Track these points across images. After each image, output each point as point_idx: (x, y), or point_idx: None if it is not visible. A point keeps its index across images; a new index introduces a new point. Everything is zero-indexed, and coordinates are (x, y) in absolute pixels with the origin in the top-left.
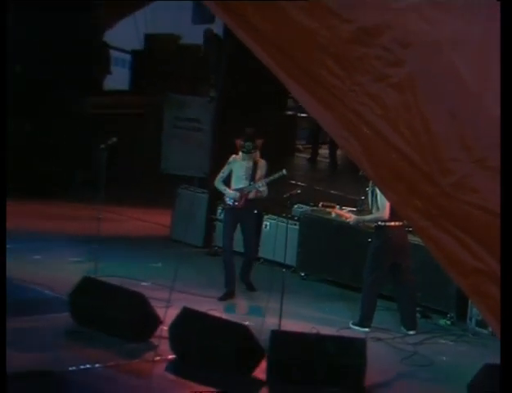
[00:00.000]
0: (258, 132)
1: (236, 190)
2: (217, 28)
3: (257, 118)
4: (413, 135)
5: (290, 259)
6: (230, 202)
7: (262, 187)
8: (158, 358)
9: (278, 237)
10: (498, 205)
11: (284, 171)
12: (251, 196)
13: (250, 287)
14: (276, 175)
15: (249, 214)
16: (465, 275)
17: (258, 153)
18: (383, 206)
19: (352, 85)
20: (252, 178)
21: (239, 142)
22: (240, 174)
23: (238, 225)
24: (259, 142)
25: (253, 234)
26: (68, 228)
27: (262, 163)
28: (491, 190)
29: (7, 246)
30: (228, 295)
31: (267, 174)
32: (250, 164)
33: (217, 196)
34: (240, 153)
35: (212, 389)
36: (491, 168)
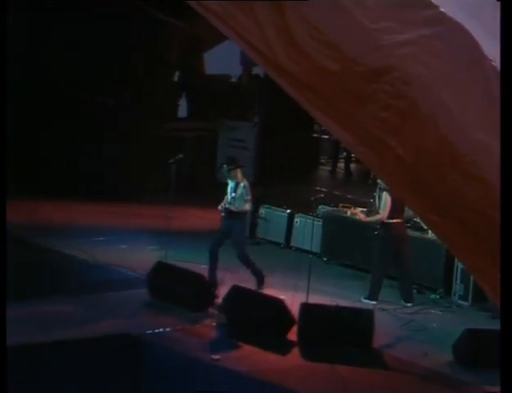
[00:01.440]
0: (286, 151)
1: (222, 206)
2: (259, 69)
3: (290, 139)
4: (413, 149)
5: (315, 248)
6: (221, 214)
7: (238, 205)
8: (214, 323)
9: (306, 230)
10: (489, 207)
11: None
12: (233, 209)
13: (259, 276)
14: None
15: (234, 222)
16: (466, 256)
17: (239, 175)
18: (383, 209)
19: (366, 112)
20: (233, 196)
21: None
22: (228, 192)
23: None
24: (239, 174)
25: (240, 238)
26: (146, 224)
27: (242, 184)
28: (484, 197)
29: (101, 239)
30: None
31: (247, 193)
32: (233, 184)
33: (260, 199)
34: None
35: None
36: (478, 178)
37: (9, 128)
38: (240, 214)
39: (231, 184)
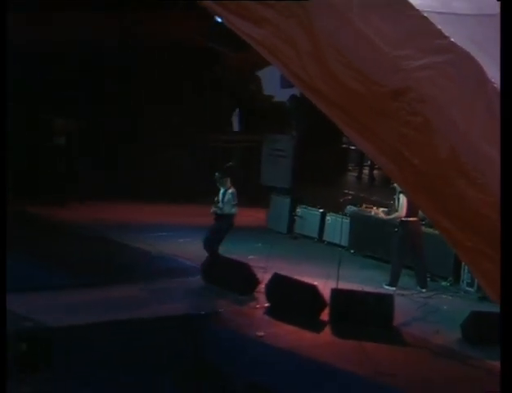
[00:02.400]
0: (318, 159)
1: (213, 210)
2: (297, 90)
3: (322, 149)
4: (426, 159)
5: (344, 242)
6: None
7: (226, 209)
8: (258, 305)
9: (336, 227)
10: (488, 208)
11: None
12: (220, 212)
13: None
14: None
15: (223, 223)
16: (465, 252)
17: (228, 183)
18: (400, 209)
19: (387, 127)
20: (222, 201)
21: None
22: (219, 197)
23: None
24: (226, 178)
25: (223, 236)
26: (201, 221)
27: (230, 191)
28: (484, 199)
29: (163, 234)
30: None
31: (234, 199)
32: (222, 191)
33: (297, 200)
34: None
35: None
36: (480, 183)
37: (92, 140)
38: (228, 217)
39: (221, 191)
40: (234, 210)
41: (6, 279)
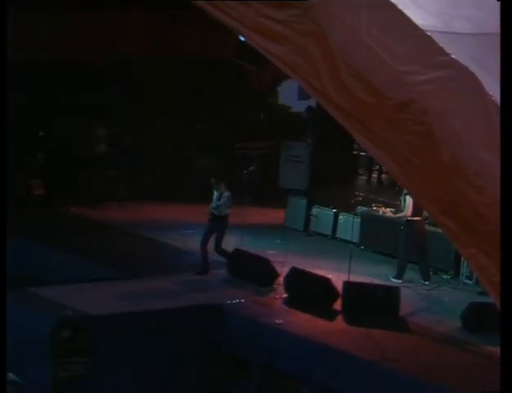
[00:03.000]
0: (332, 164)
1: (209, 212)
2: (312, 102)
3: (335, 155)
4: (430, 164)
5: (355, 239)
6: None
7: (221, 210)
8: (277, 296)
9: (347, 225)
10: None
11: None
12: (217, 214)
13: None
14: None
15: (218, 224)
16: (465, 249)
17: (222, 187)
18: (406, 209)
19: (395, 135)
20: (218, 204)
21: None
22: (214, 200)
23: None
24: (221, 183)
25: (221, 236)
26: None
27: (225, 194)
28: (483, 200)
29: (191, 231)
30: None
31: (229, 201)
32: (217, 194)
33: (312, 201)
34: None
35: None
36: (479, 186)
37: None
38: (223, 218)
39: (216, 194)
40: (228, 211)
41: (6, 279)
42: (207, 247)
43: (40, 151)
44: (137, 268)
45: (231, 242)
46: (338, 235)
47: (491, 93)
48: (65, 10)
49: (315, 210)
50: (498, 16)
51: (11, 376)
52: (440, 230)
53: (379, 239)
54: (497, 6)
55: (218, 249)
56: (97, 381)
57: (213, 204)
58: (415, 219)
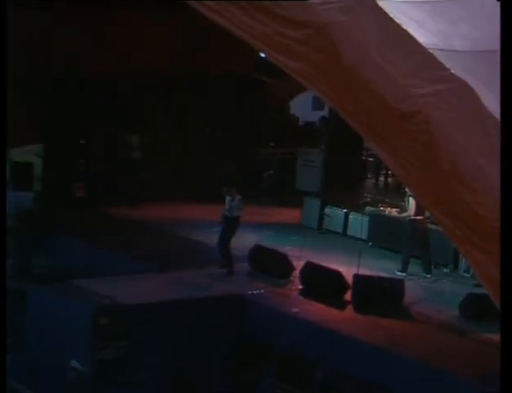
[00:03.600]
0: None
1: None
2: (325, 112)
3: (346, 160)
4: (432, 169)
5: (364, 236)
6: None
7: (233, 212)
8: (293, 287)
9: (357, 224)
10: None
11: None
12: (229, 215)
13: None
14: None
15: (230, 225)
16: (462, 245)
17: (234, 191)
18: (410, 209)
19: (401, 142)
20: (231, 206)
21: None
22: (226, 204)
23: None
24: (233, 188)
25: (231, 235)
26: (247, 219)
27: (237, 198)
28: (479, 202)
29: (216, 229)
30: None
31: (241, 204)
32: (230, 198)
33: (325, 202)
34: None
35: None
36: (476, 189)
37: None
38: (235, 219)
39: (228, 198)
40: (240, 213)
41: (5, 280)
42: (228, 246)
43: (82, 157)
44: (168, 262)
45: (252, 239)
46: (348, 232)
47: (487, 105)
48: (104, 25)
49: (327, 210)
50: (492, 34)
51: (74, 362)
52: (440, 228)
53: (386, 236)
54: (490, 25)
55: (226, 247)
56: (132, 363)
57: (226, 206)
58: (418, 218)
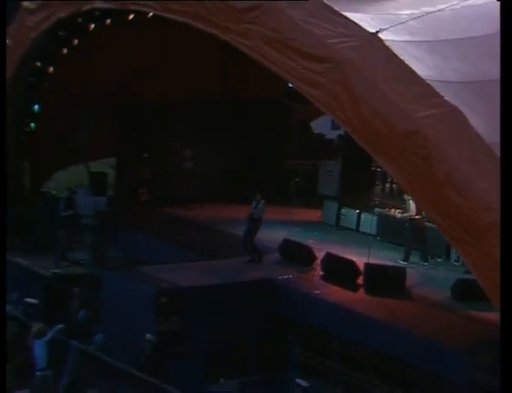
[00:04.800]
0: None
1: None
2: (342, 131)
3: (359, 171)
4: (429, 178)
5: (373, 231)
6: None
7: (258, 213)
8: (316, 273)
9: (368, 222)
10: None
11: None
12: (256, 216)
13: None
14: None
15: (254, 224)
16: (453, 239)
17: (258, 196)
18: (410, 210)
19: (403, 157)
20: (256, 208)
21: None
22: (252, 207)
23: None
24: (259, 196)
25: (255, 234)
26: (277, 217)
27: (262, 201)
28: (468, 204)
29: (265, 230)
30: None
31: (264, 206)
32: (256, 202)
33: (342, 204)
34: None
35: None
36: (465, 194)
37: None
38: (259, 219)
39: (254, 203)
40: (263, 214)
41: (5, 279)
42: (248, 242)
43: (145, 168)
44: (213, 253)
45: (281, 234)
46: (360, 229)
47: (474, 126)
48: (165, 61)
49: (343, 211)
50: (478, 69)
51: (148, 336)
52: (435, 226)
53: (391, 232)
54: (478, 61)
55: (252, 244)
56: (186, 334)
57: (252, 209)
58: (417, 217)
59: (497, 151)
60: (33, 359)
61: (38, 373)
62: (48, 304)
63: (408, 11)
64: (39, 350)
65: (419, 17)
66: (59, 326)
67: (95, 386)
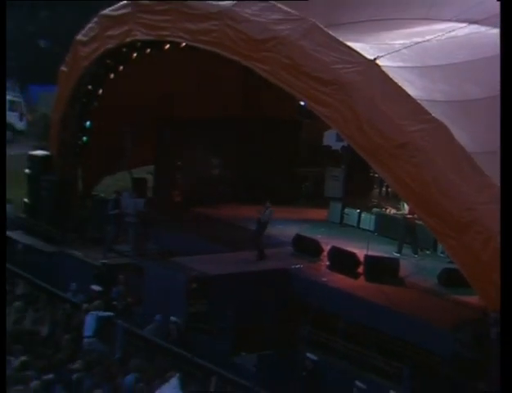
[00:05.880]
0: (357, 182)
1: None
2: (345, 143)
3: (359, 176)
4: (419, 183)
5: (372, 228)
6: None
7: (265, 219)
8: (323, 264)
9: (367, 220)
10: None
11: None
12: (262, 220)
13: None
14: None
15: (262, 227)
16: (439, 235)
17: (267, 204)
18: (403, 210)
19: (397, 164)
20: (263, 214)
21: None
22: (262, 212)
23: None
24: (269, 204)
25: (263, 234)
26: (290, 216)
27: (269, 209)
28: (452, 205)
29: (280, 226)
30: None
31: (271, 214)
32: (264, 210)
33: (345, 204)
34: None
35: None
36: (450, 196)
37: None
38: (264, 224)
39: (263, 209)
40: (269, 220)
41: (5, 279)
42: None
43: (179, 173)
44: (236, 246)
45: (294, 230)
46: (361, 226)
47: (458, 139)
48: (198, 82)
49: (346, 210)
50: (461, 89)
51: (173, 319)
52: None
53: (387, 228)
54: (461, 83)
55: (260, 242)
56: (212, 314)
57: (261, 214)
58: (409, 216)
59: (477, 159)
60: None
61: (84, 340)
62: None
63: (401, 41)
64: (89, 321)
65: (410, 46)
66: (108, 313)
67: (102, 385)
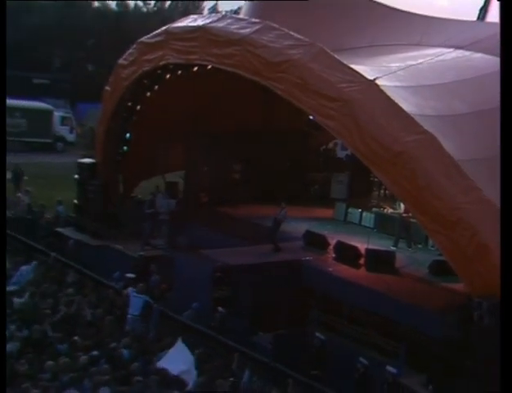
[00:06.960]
0: (359, 185)
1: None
2: (349, 152)
3: (361, 180)
4: (413, 188)
5: (372, 225)
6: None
7: (280, 218)
8: (329, 256)
9: (367, 218)
10: (444, 210)
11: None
12: (278, 219)
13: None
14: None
15: (277, 225)
16: (430, 231)
17: (283, 205)
18: (399, 209)
19: (394, 171)
20: (279, 214)
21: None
22: (278, 212)
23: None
24: (284, 204)
25: (277, 231)
26: (300, 214)
27: (284, 209)
28: (443, 205)
29: (292, 223)
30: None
31: (285, 214)
32: (280, 210)
33: (348, 205)
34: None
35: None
36: (441, 198)
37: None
38: (279, 222)
39: (279, 209)
40: (284, 219)
41: (5, 279)
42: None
43: (206, 178)
44: (253, 240)
45: (304, 226)
46: (362, 223)
47: (447, 149)
48: (223, 100)
49: (350, 210)
50: (450, 106)
51: (195, 305)
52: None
53: (385, 225)
54: (450, 100)
55: (274, 238)
56: (233, 299)
57: (277, 214)
58: (404, 215)
59: (463, 166)
60: (128, 308)
61: (128, 316)
62: (136, 277)
63: (397, 64)
64: (134, 301)
65: (405, 68)
66: (150, 300)
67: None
